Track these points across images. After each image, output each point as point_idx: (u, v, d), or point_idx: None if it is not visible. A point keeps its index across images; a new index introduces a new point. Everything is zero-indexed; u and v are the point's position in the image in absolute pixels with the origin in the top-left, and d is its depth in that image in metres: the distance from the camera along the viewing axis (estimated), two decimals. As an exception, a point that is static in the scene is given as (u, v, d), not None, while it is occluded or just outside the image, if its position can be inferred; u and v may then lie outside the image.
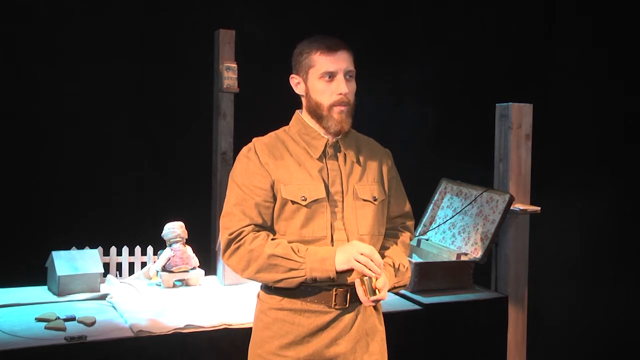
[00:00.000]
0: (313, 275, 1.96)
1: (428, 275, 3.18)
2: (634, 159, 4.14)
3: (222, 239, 2.05)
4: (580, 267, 4.21)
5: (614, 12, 4.20)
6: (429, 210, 3.69)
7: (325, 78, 2.05)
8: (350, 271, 1.99)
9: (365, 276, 1.96)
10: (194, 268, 3.24)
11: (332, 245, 2.02)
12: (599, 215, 4.16)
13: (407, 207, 2.29)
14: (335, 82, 2.05)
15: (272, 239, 2.02)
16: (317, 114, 2.08)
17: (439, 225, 3.59)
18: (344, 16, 4.39)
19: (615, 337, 4.16)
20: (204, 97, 4.14)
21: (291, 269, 1.97)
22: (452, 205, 3.58)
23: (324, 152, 2.10)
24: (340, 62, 2.05)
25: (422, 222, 3.67)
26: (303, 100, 2.15)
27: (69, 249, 3.12)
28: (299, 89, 2.14)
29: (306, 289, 2.03)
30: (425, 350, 2.95)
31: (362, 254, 1.94)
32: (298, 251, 1.98)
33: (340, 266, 1.95)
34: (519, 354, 3.30)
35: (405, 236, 2.25)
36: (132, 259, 3.35)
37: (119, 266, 3.32)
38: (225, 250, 2.04)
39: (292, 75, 2.14)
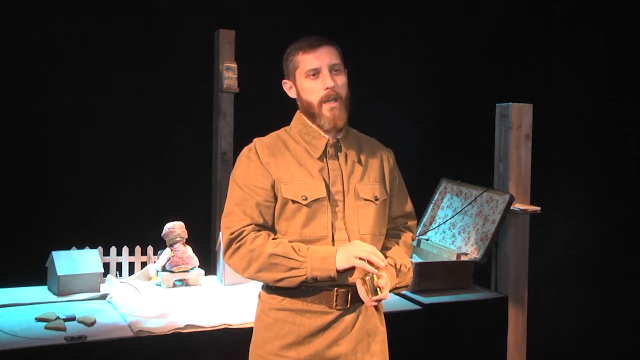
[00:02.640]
0: (314, 274, 1.96)
1: (428, 275, 3.18)
2: (634, 159, 4.14)
3: (223, 238, 2.05)
4: (580, 267, 4.20)
5: (614, 13, 4.20)
6: (429, 210, 3.69)
7: (310, 76, 2.06)
8: (351, 271, 1.99)
9: (367, 276, 1.95)
10: (193, 268, 3.24)
11: (333, 245, 2.02)
12: (599, 215, 4.16)
13: (409, 207, 2.28)
14: (321, 78, 2.06)
15: (273, 239, 2.02)
16: (310, 113, 2.09)
17: (439, 225, 3.59)
18: (344, 16, 4.39)
19: (614, 337, 4.16)
20: (204, 97, 4.13)
21: (292, 268, 1.97)
22: (452, 205, 3.58)
23: (324, 151, 2.10)
24: (322, 57, 2.06)
25: (422, 222, 3.67)
26: (298, 103, 2.16)
27: (69, 249, 3.12)
28: (291, 93, 2.16)
29: (307, 289, 2.03)
30: (425, 350, 2.95)
31: (363, 251, 1.94)
32: (299, 250, 1.98)
33: (341, 265, 1.95)
34: (519, 354, 3.30)
35: (407, 236, 2.25)
36: (132, 259, 3.35)
37: (119, 266, 3.32)
38: (226, 250, 2.04)
39: (284, 81, 2.16)
